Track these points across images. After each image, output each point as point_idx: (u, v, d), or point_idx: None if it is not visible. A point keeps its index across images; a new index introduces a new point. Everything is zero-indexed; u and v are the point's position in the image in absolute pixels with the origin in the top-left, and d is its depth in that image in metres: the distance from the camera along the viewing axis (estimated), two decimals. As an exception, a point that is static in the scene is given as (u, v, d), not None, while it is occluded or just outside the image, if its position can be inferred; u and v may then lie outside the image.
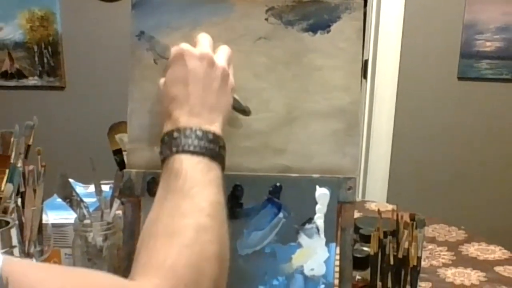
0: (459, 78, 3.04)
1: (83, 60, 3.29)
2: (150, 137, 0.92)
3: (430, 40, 3.01)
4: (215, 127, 0.79)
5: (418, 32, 3.00)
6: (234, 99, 0.89)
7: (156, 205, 0.74)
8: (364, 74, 3.15)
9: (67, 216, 1.18)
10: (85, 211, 1.08)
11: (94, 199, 1.13)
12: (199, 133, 0.76)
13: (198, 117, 0.79)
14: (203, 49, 0.83)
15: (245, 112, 0.93)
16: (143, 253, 0.69)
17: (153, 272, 0.64)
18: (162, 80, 0.85)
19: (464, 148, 3.14)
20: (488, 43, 2.96)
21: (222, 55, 0.85)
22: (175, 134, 0.77)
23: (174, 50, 0.84)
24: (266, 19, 0.94)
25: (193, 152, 0.75)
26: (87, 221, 1.08)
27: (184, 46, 0.83)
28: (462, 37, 2.97)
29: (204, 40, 0.86)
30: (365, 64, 3.13)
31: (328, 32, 0.94)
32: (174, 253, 0.66)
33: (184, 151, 0.75)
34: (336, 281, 0.93)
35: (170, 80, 0.83)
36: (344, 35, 0.94)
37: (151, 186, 0.90)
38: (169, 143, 0.77)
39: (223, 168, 0.79)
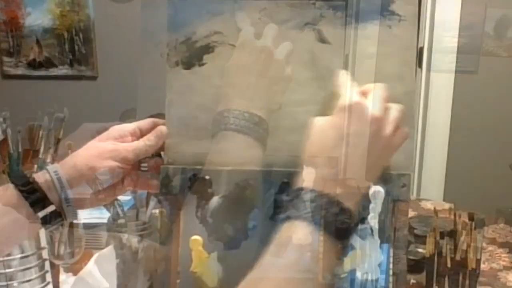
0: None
1: (117, 47, 3.29)
2: (190, 130, 0.93)
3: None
4: (262, 113, 0.91)
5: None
6: None
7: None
8: (419, 63, 3.13)
9: (100, 216, 1.20)
10: (119, 210, 1.09)
11: (129, 197, 1.14)
12: (246, 115, 0.90)
13: (249, 101, 0.91)
14: (265, 43, 0.94)
15: None
16: None
17: None
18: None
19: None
20: None
21: (282, 50, 0.94)
22: (225, 113, 0.90)
23: (241, 37, 0.95)
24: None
25: (239, 131, 0.89)
26: (121, 221, 1.08)
27: (250, 35, 0.94)
28: None
29: (269, 33, 0.94)
30: (420, 51, 3.11)
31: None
32: None
33: (231, 129, 0.89)
34: (390, 286, 0.94)
35: (231, 65, 0.95)
36: (398, 20, 0.95)
37: (193, 182, 0.92)
38: (218, 121, 0.90)
39: (264, 148, 0.91)
